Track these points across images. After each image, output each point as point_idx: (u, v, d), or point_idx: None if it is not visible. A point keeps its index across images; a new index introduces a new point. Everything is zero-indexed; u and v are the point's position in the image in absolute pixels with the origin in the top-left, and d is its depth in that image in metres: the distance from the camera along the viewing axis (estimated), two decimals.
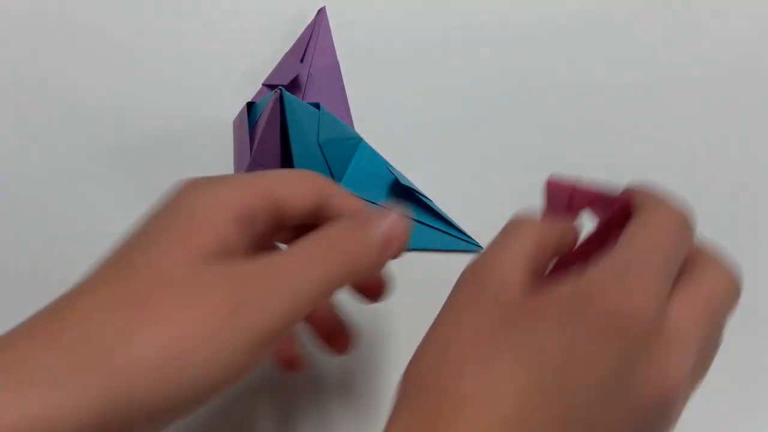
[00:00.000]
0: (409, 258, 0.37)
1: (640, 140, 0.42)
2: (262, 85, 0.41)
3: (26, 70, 0.41)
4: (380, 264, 0.25)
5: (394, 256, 0.25)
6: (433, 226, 0.37)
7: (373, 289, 0.28)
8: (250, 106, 0.37)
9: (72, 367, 0.19)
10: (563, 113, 0.42)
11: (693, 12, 0.46)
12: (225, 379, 0.21)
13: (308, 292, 0.22)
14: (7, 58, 0.41)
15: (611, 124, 0.42)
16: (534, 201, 0.42)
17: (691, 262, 0.23)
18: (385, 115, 0.41)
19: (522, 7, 0.45)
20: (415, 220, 0.38)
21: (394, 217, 0.24)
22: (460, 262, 0.35)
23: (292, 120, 0.34)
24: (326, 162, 0.36)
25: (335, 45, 0.43)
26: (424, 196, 0.37)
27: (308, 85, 0.41)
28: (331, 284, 0.23)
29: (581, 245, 0.26)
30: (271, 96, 0.34)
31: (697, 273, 0.23)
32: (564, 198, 0.27)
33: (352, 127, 0.40)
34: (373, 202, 0.38)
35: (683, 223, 0.23)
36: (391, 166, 0.38)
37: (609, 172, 0.42)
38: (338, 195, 0.26)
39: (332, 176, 0.37)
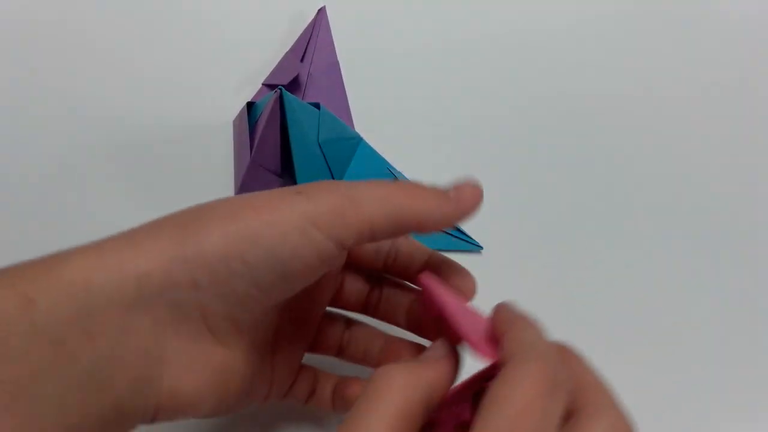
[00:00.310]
0: None
1: (637, 142, 0.42)
2: (262, 84, 0.41)
3: (27, 71, 0.41)
4: (450, 215, 0.25)
5: (462, 214, 0.25)
6: None
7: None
8: (250, 105, 0.37)
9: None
10: (563, 115, 0.42)
11: (699, 21, 0.46)
12: (314, 265, 0.23)
13: (375, 221, 0.23)
14: (7, 59, 0.41)
15: (610, 128, 0.42)
16: (533, 201, 0.42)
17: (579, 403, 0.21)
18: (385, 115, 0.41)
19: (523, 9, 0.46)
20: None
21: (470, 182, 0.26)
22: (459, 261, 0.35)
23: (292, 119, 0.34)
24: (326, 161, 0.36)
25: (335, 44, 0.43)
26: None
27: (308, 85, 0.41)
28: (402, 214, 0.24)
29: (461, 386, 0.23)
30: (271, 96, 0.34)
31: (583, 422, 0.21)
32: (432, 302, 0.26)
33: (352, 127, 0.40)
34: None
35: (551, 382, 0.20)
36: (391, 166, 0.38)
37: (608, 173, 0.43)
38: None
39: (332, 176, 0.37)
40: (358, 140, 0.39)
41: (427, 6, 0.45)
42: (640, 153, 0.41)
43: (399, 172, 0.38)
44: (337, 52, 0.42)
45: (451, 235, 0.37)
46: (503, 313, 0.23)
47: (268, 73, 0.41)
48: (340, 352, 0.30)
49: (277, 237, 0.22)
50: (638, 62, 0.44)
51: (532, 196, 0.40)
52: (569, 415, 0.20)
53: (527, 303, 0.37)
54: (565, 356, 0.23)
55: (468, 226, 0.37)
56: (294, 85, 0.40)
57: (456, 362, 0.23)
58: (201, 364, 0.23)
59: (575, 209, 0.39)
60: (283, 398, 0.29)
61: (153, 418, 0.23)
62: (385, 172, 0.38)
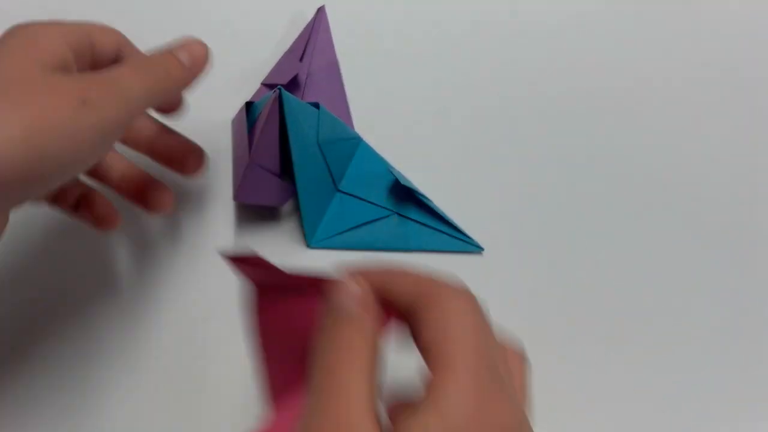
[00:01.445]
0: (409, 258, 0.37)
1: (639, 142, 0.42)
2: (261, 84, 0.40)
3: None
4: (189, 79, 0.30)
5: (198, 74, 0.30)
6: (433, 227, 0.37)
7: (173, 106, 0.34)
8: (249, 105, 0.37)
9: None
10: (564, 113, 0.42)
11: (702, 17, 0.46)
12: (81, 159, 0.26)
13: (137, 96, 0.27)
14: None
15: (612, 128, 0.42)
16: (534, 201, 0.42)
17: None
18: (385, 115, 0.41)
19: (523, 7, 0.45)
20: (415, 221, 0.38)
21: (192, 41, 0.30)
22: (460, 262, 0.35)
23: (291, 120, 0.34)
24: (326, 162, 0.36)
25: (335, 44, 0.42)
26: (424, 196, 0.37)
27: (307, 84, 0.41)
28: (155, 91, 0.28)
29: None
30: (270, 95, 0.34)
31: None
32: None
33: (352, 127, 0.40)
34: (373, 203, 0.38)
35: (479, 314, 0.22)
36: (391, 166, 0.38)
37: (609, 173, 0.43)
38: (135, 51, 0.31)
39: (332, 176, 0.37)
40: (357, 140, 0.39)
41: (427, 6, 0.45)
42: (642, 153, 0.41)
43: (399, 172, 0.38)
44: (336, 51, 0.42)
45: (451, 235, 0.37)
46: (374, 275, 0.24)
47: (267, 73, 0.41)
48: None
49: (68, 149, 0.24)
50: (640, 59, 0.44)
51: (533, 196, 0.40)
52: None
53: (528, 303, 0.38)
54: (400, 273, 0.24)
55: (468, 227, 0.37)
56: (293, 85, 0.40)
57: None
58: None
59: (576, 209, 0.39)
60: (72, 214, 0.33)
61: None
62: (385, 172, 0.38)
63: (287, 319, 0.26)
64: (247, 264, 0.25)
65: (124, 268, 0.36)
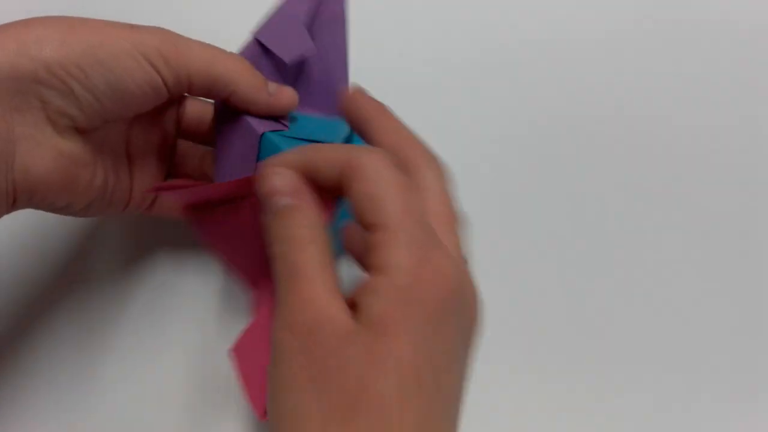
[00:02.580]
0: None
1: (640, 144, 0.41)
2: (254, 38, 0.33)
3: None
4: (261, 97, 0.30)
5: (274, 104, 0.30)
6: None
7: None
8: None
9: None
10: (564, 111, 0.41)
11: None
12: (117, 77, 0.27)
13: (194, 56, 0.28)
14: None
15: (610, 134, 0.41)
16: (535, 201, 0.41)
17: (409, 162, 0.25)
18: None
19: (525, 13, 0.44)
20: None
21: (288, 88, 0.31)
22: None
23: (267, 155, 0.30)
24: None
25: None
26: None
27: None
28: (218, 78, 0.29)
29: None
30: (243, 126, 0.30)
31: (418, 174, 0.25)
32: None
33: (347, 76, 0.34)
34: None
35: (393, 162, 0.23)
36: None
37: (609, 176, 0.42)
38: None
39: None
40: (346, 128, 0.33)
41: (426, 6, 0.45)
42: (644, 152, 0.41)
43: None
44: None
45: None
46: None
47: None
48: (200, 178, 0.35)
49: (109, 55, 0.26)
50: (641, 71, 0.43)
51: (534, 197, 0.40)
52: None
53: (529, 303, 0.37)
54: (385, 116, 0.27)
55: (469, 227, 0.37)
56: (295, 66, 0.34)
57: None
58: (46, 149, 0.27)
59: (576, 212, 0.39)
60: (148, 212, 0.34)
61: (14, 200, 0.27)
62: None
63: (234, 224, 0.29)
64: (178, 190, 0.29)
65: (123, 265, 0.36)
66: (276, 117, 0.31)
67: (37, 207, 0.29)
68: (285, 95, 0.31)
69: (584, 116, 0.41)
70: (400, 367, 0.20)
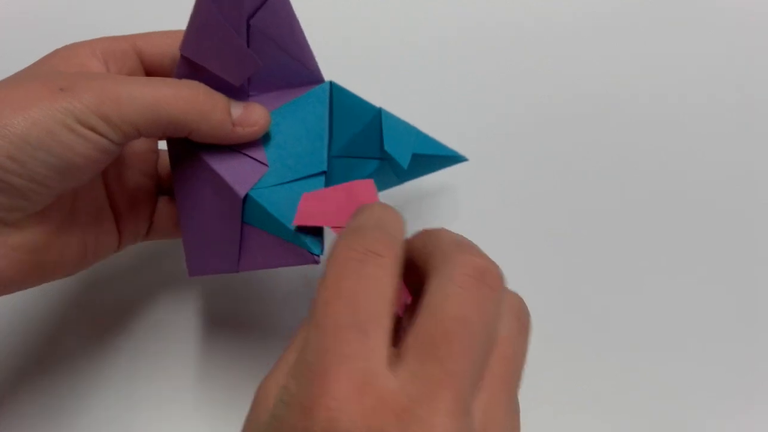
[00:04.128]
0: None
1: (643, 141, 0.42)
2: (182, 56, 0.29)
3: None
4: (225, 131, 0.28)
5: (244, 135, 0.28)
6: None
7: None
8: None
9: None
10: (566, 112, 0.42)
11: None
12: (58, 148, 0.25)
13: (128, 96, 0.26)
14: (8, 59, 0.38)
15: (612, 127, 0.42)
16: (535, 200, 0.41)
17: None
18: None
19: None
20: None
21: (256, 106, 0.29)
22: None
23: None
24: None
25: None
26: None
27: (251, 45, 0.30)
28: (171, 121, 0.27)
29: None
30: (212, 179, 0.30)
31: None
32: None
33: (313, 61, 0.33)
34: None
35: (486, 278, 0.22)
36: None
37: (610, 174, 0.41)
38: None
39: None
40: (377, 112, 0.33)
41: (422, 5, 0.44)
42: (644, 152, 0.42)
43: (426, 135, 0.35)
44: (316, 48, 0.35)
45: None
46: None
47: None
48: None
49: (44, 133, 0.24)
50: (647, 60, 0.44)
51: (534, 196, 0.40)
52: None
53: (529, 305, 0.37)
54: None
55: (469, 228, 0.37)
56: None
57: None
58: (3, 248, 0.26)
59: (577, 210, 0.40)
60: (145, 239, 0.34)
61: None
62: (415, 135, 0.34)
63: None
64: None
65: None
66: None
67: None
68: (252, 119, 0.28)
69: (583, 114, 0.42)
70: None
